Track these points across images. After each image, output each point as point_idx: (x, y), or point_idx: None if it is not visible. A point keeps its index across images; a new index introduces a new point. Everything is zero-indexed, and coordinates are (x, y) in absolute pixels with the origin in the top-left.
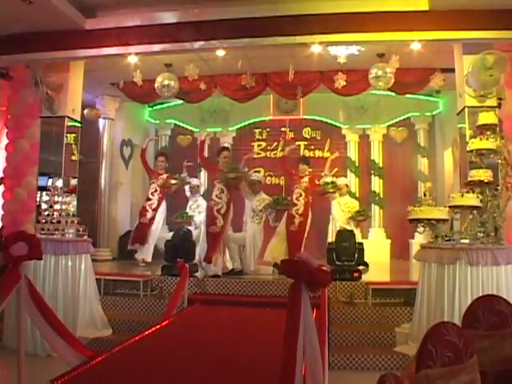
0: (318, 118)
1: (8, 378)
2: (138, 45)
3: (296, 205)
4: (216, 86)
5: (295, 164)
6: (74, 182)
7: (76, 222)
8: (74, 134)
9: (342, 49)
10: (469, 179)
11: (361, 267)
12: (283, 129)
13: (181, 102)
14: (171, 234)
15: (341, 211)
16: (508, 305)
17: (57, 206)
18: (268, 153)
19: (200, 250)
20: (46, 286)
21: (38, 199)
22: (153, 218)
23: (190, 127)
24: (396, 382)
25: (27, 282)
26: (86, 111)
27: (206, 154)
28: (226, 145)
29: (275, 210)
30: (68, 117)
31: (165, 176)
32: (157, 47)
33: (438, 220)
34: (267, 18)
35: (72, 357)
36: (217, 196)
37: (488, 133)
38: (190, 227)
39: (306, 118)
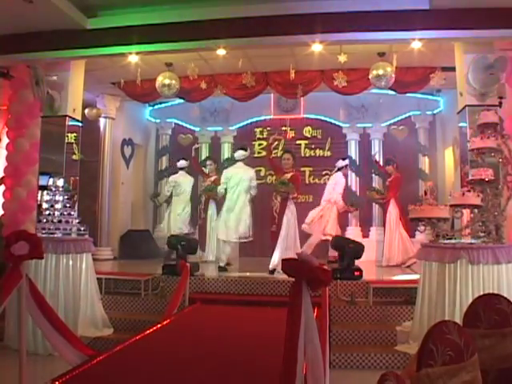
0: (318, 117)
1: (9, 377)
2: (139, 44)
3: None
4: (217, 85)
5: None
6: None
7: (77, 221)
8: (74, 134)
9: None
10: (470, 178)
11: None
12: (284, 128)
13: (181, 101)
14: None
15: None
16: (509, 303)
17: (58, 206)
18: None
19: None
20: (47, 286)
21: (38, 198)
22: None
23: (190, 126)
24: (397, 381)
25: (28, 281)
26: (86, 110)
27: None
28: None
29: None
30: (69, 116)
31: (212, 178)
32: (157, 46)
33: (438, 219)
34: (268, 17)
35: (73, 356)
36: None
37: (489, 131)
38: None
39: (306, 117)
